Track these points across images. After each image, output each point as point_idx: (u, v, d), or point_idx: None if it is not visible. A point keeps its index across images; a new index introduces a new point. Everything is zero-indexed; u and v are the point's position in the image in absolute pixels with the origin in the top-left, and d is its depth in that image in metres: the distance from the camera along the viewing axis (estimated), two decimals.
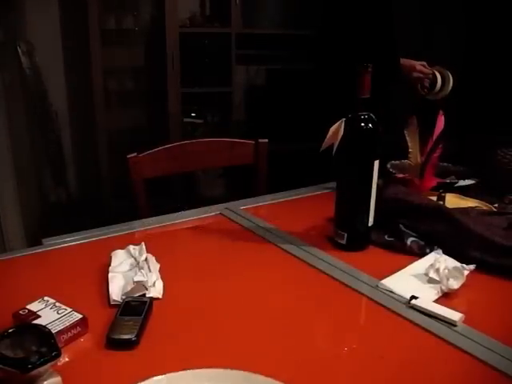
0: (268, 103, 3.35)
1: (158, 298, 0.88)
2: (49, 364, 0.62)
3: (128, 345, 0.75)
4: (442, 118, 1.27)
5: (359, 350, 0.78)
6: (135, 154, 1.49)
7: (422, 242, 1.05)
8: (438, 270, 0.93)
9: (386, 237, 1.09)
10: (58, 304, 0.82)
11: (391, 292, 0.91)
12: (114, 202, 3.11)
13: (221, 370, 0.66)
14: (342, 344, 0.80)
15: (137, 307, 0.83)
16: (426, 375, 0.72)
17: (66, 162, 3.32)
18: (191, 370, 0.67)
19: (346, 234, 1.07)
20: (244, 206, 1.34)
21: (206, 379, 0.66)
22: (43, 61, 3.08)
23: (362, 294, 0.92)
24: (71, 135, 3.31)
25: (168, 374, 0.66)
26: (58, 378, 0.64)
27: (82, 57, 3.04)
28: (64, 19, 3.16)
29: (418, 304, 0.86)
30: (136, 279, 0.87)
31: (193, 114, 3.33)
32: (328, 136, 1.05)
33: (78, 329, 0.78)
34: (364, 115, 1.03)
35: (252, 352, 0.76)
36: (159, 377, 0.65)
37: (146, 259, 0.95)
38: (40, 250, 1.08)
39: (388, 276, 0.95)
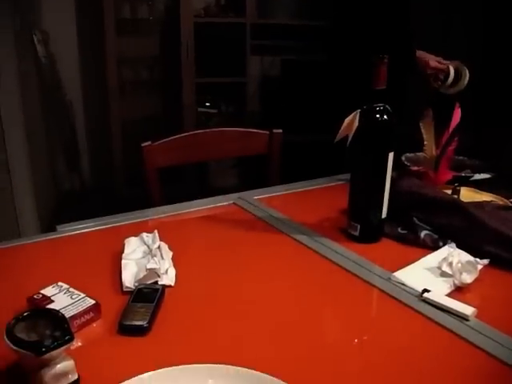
0: (282, 94, 3.34)
1: (170, 286, 0.89)
2: (62, 348, 0.63)
3: (140, 331, 0.76)
4: (459, 110, 1.25)
5: (370, 342, 0.78)
6: (149, 142, 1.49)
7: (436, 236, 1.05)
8: (451, 264, 0.92)
9: (399, 229, 1.09)
10: (71, 289, 0.82)
11: (403, 285, 0.90)
12: (126, 190, 3.13)
13: (223, 367, 0.67)
14: (353, 336, 0.80)
15: (149, 294, 0.83)
16: (436, 369, 0.72)
17: (80, 151, 3.34)
18: (192, 365, 0.67)
19: (359, 226, 1.06)
20: (257, 195, 1.34)
21: (207, 375, 0.66)
22: (58, 50, 3.10)
23: (374, 286, 0.92)
24: (85, 124, 3.33)
25: (166, 369, 0.66)
26: (71, 362, 0.65)
27: (97, 46, 3.06)
28: (79, 8, 3.18)
29: (431, 297, 0.85)
30: (149, 266, 0.87)
31: (207, 104, 3.33)
32: (342, 127, 1.04)
33: (91, 314, 0.79)
34: (379, 107, 1.02)
35: (262, 343, 0.76)
36: (161, 370, 0.66)
37: (158, 247, 0.96)
38: (54, 237, 1.10)
39: (400, 269, 0.95)
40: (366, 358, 0.74)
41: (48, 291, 0.82)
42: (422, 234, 1.05)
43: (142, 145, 1.48)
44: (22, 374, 0.65)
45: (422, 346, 0.77)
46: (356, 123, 1.02)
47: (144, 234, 1.01)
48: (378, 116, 1.02)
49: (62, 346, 0.63)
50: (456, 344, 0.76)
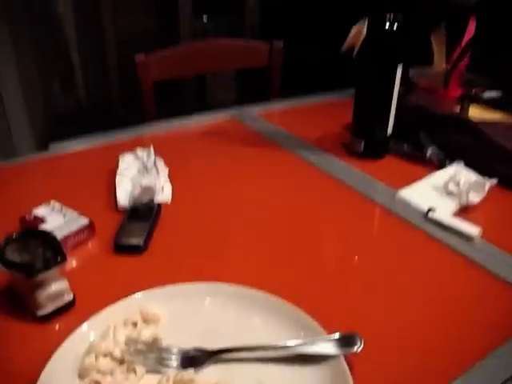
0: (284, 6, 3.16)
1: (166, 203, 0.86)
2: (55, 268, 0.61)
3: (135, 250, 0.74)
4: (474, 23, 1.17)
5: (371, 260, 0.76)
6: (143, 54, 1.41)
7: (443, 154, 1.00)
8: (458, 183, 0.89)
9: (404, 146, 1.04)
10: (64, 209, 0.80)
11: (408, 203, 0.88)
12: (122, 110, 3.05)
13: (221, 285, 0.65)
14: (353, 253, 0.77)
15: (145, 212, 0.80)
16: (440, 289, 0.70)
17: (75, 70, 3.22)
18: (192, 284, 0.65)
19: (363, 142, 1.02)
20: (258, 110, 1.28)
21: (205, 293, 0.65)
22: None
23: (378, 203, 0.89)
24: (78, 40, 3.18)
25: (168, 286, 0.65)
26: (65, 283, 0.63)
27: None
28: None
29: (436, 216, 0.83)
30: (144, 183, 0.84)
31: (204, 17, 3.17)
32: (350, 35, 0.97)
33: (85, 234, 0.76)
34: (389, 15, 0.94)
35: (260, 261, 0.74)
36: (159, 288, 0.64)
37: (154, 163, 0.92)
38: (47, 156, 1.06)
39: (405, 187, 0.91)
40: (366, 275, 0.72)
41: (40, 211, 0.79)
42: (429, 151, 1.01)
43: (136, 56, 1.40)
44: (16, 295, 0.64)
45: (424, 265, 0.75)
46: (364, 32, 0.95)
47: (139, 150, 0.97)
48: (386, 25, 0.95)
49: (54, 266, 0.60)
50: (460, 264, 0.74)
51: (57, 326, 0.62)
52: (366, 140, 1.02)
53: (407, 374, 0.57)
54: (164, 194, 0.87)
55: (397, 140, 1.05)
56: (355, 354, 0.55)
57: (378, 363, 0.57)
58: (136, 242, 0.74)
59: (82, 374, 0.53)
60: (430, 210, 0.84)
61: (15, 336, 0.60)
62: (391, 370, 0.57)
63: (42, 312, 0.62)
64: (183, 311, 0.63)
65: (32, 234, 0.66)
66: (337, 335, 0.57)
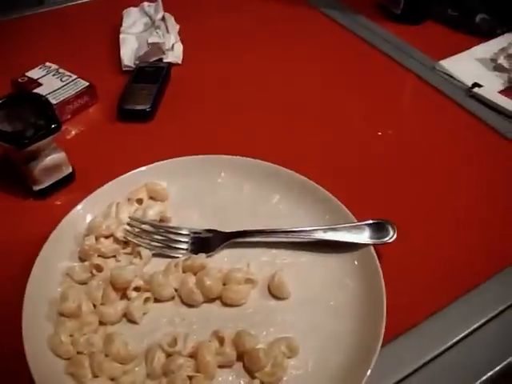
0: None
1: (176, 64, 0.77)
2: (48, 138, 0.54)
3: (142, 116, 0.67)
4: None
5: (404, 138, 0.68)
6: None
7: (495, 20, 0.87)
8: (509, 56, 0.78)
9: (449, 10, 0.91)
10: (61, 70, 0.71)
11: (450, 76, 0.77)
12: None
13: (237, 158, 0.58)
14: (385, 129, 0.69)
15: (152, 74, 0.72)
16: (481, 173, 0.63)
17: None
18: (205, 156, 0.58)
19: (402, 2, 0.88)
20: None
21: (219, 167, 0.58)
22: None
23: (414, 73, 0.78)
24: None
25: (177, 159, 0.58)
26: (62, 154, 0.56)
27: None
28: None
29: (481, 93, 0.73)
30: (151, 40, 0.75)
31: None
32: None
33: (86, 98, 0.68)
34: None
35: (280, 133, 0.67)
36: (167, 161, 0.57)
37: (163, 18, 0.82)
38: (42, 10, 0.94)
39: (448, 57, 0.80)
40: (399, 155, 0.65)
41: (35, 73, 0.70)
42: (478, 17, 0.88)
43: None
44: (12, 168, 0.57)
45: (464, 147, 0.67)
46: None
47: (145, 4, 0.86)
48: None
49: (46, 136, 0.53)
50: (505, 147, 0.66)
51: (55, 203, 0.56)
52: (406, 0, 0.88)
53: (439, 270, 0.51)
54: (174, 53, 0.78)
55: (441, 2, 0.91)
56: (386, 244, 0.49)
57: (407, 255, 0.51)
58: (142, 106, 0.67)
59: (81, 257, 0.49)
60: (474, 84, 0.73)
61: (11, 213, 0.55)
62: (421, 264, 0.51)
63: (38, 186, 0.56)
64: (194, 187, 0.56)
65: (22, 98, 0.58)
66: (368, 221, 0.51)
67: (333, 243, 0.50)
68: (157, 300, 0.46)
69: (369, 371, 0.40)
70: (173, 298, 0.47)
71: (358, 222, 0.51)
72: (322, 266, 0.50)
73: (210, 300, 0.46)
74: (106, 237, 0.49)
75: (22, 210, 0.55)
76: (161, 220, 0.52)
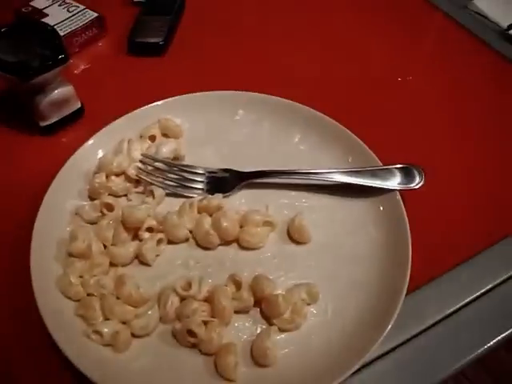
0: None
1: None
2: (55, 70, 0.50)
3: (154, 50, 0.63)
4: None
5: (432, 82, 0.63)
6: None
7: None
8: None
9: None
10: (68, 0, 0.66)
11: (483, 16, 0.72)
12: None
13: (257, 95, 0.54)
14: (411, 74, 0.64)
15: (165, 5, 0.68)
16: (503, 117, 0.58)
17: None
18: (222, 92, 0.54)
19: None
20: None
21: (237, 104, 0.54)
22: None
23: (444, 13, 0.73)
24: None
25: (193, 94, 0.54)
26: (70, 88, 0.53)
27: None
28: None
29: None
30: None
31: None
32: None
33: (94, 30, 0.64)
34: None
35: (301, 71, 0.62)
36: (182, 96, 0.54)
37: None
38: None
39: None
40: (426, 100, 0.61)
41: (39, 3, 0.66)
42: None
43: None
44: (18, 103, 0.54)
45: (498, 93, 0.62)
46: None
47: None
48: None
49: (53, 67, 0.50)
50: None
51: (63, 140, 0.54)
52: None
53: (466, 220, 0.48)
54: None
55: None
56: (414, 190, 0.46)
57: (433, 203, 0.48)
58: (155, 39, 0.63)
59: (91, 196, 0.46)
60: (511, 26, 0.68)
61: (16, 150, 0.53)
62: (448, 212, 0.49)
63: (44, 122, 0.53)
64: (210, 125, 0.53)
65: (27, 27, 0.54)
66: (396, 166, 0.47)
67: (356, 187, 0.47)
68: (170, 241, 0.44)
69: (390, 323, 0.38)
70: (187, 239, 0.44)
71: (384, 164, 0.48)
72: (345, 211, 0.47)
73: (226, 243, 0.44)
74: (117, 175, 0.47)
75: (28, 147, 0.53)
76: (174, 158, 0.49)
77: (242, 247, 0.44)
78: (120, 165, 0.47)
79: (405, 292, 0.39)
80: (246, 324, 0.40)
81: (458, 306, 0.42)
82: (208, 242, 0.43)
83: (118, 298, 0.40)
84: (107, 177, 0.46)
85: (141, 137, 0.51)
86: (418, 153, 0.52)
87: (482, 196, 0.50)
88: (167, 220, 0.43)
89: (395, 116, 0.58)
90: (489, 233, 0.47)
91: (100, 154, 0.49)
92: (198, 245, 0.44)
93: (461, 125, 0.57)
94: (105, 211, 0.45)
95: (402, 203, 0.45)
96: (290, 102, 0.53)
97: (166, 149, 0.49)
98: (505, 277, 0.44)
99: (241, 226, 0.44)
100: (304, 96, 0.53)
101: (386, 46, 0.68)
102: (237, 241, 0.44)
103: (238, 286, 0.40)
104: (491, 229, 0.47)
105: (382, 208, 0.46)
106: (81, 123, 0.55)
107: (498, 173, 0.52)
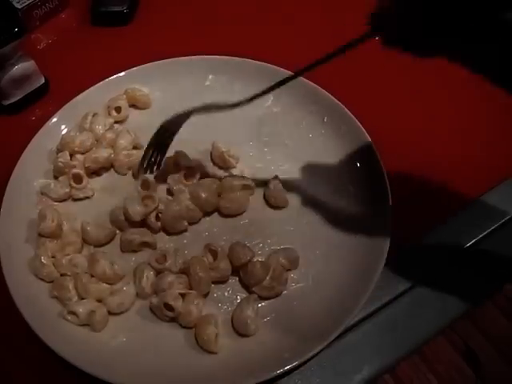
0: None
1: None
2: (12, 44, 0.47)
3: (119, 19, 0.60)
4: None
5: None
6: None
7: None
8: None
9: None
10: None
11: None
12: None
13: (224, 59, 0.52)
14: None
15: None
16: None
17: None
18: (189, 58, 0.52)
19: None
20: None
21: (207, 69, 0.52)
22: None
23: None
24: None
25: (159, 61, 0.52)
26: (31, 63, 0.51)
27: None
28: None
29: None
30: None
31: None
32: None
33: (55, 2, 0.61)
34: None
35: (267, 31, 0.59)
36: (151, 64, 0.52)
37: None
38: None
39: None
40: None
41: None
42: None
43: None
44: None
45: None
46: None
47: None
48: None
49: (8, 42, 0.47)
50: None
51: (30, 118, 0.51)
52: None
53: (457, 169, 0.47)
54: None
55: None
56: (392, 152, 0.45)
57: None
58: (119, 7, 0.60)
59: (56, 176, 0.45)
60: None
61: None
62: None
63: (8, 101, 0.51)
64: (180, 92, 0.51)
65: None
66: None
67: (333, 148, 0.46)
68: None
69: (371, 287, 0.37)
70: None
71: None
72: (322, 171, 0.45)
73: (207, 214, 0.43)
74: (82, 153, 0.45)
75: None
76: (134, 148, 0.47)
77: (223, 215, 0.43)
78: (83, 143, 0.45)
79: (386, 252, 0.38)
80: (226, 294, 0.39)
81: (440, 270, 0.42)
82: (191, 217, 0.42)
83: (92, 277, 0.39)
84: (72, 156, 0.44)
85: (108, 107, 0.49)
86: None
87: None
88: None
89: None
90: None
91: (66, 130, 0.47)
92: None
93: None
94: (73, 184, 0.43)
95: (378, 156, 0.44)
96: (262, 63, 0.51)
97: (124, 140, 0.46)
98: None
99: (219, 195, 0.43)
100: (278, 58, 0.51)
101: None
102: (218, 209, 0.43)
103: (214, 255, 0.39)
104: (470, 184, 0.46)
105: (359, 164, 0.45)
106: (47, 99, 0.52)
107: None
